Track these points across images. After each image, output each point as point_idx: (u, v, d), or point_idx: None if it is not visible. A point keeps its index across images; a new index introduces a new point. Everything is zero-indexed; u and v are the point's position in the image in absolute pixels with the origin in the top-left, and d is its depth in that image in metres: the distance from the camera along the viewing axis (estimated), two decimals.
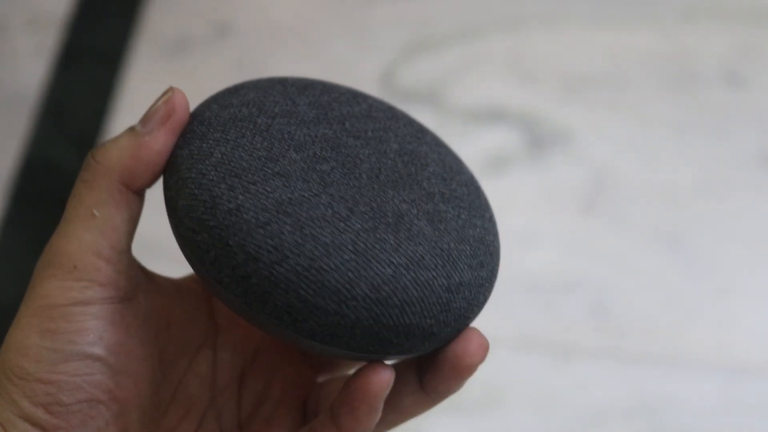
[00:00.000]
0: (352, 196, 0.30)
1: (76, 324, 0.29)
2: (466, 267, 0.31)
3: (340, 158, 0.31)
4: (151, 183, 0.31)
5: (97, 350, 0.29)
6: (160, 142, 0.30)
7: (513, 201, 0.67)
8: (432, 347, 0.31)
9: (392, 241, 0.29)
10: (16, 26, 0.76)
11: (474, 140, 0.69)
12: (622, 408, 0.60)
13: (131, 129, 0.31)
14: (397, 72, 0.73)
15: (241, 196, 0.29)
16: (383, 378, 0.30)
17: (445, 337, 0.31)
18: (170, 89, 0.31)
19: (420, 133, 0.34)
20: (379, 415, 0.30)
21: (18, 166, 0.70)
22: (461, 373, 0.31)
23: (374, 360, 0.30)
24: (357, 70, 0.73)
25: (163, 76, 0.72)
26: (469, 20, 0.75)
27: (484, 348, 0.31)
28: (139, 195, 0.31)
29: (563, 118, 0.70)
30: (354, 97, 0.34)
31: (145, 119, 0.31)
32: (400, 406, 0.33)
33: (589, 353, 0.61)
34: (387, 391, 0.30)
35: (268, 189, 0.29)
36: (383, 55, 0.73)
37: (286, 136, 0.31)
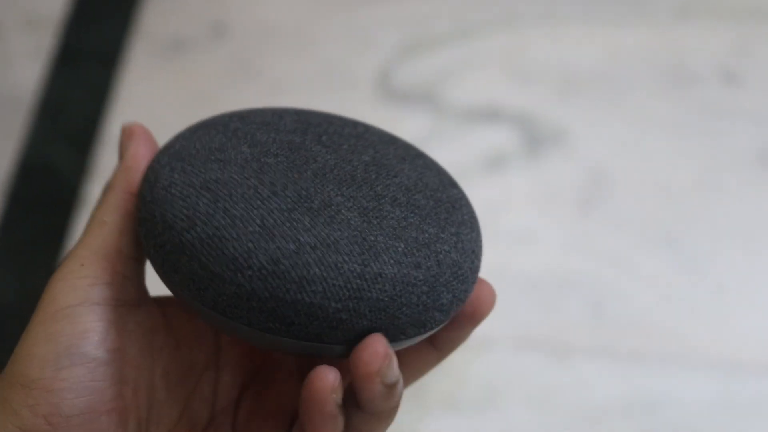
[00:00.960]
0: (283, 183, 0.31)
1: (79, 325, 0.30)
2: (392, 262, 0.30)
3: (291, 156, 0.32)
4: None
5: (100, 353, 0.30)
6: (136, 146, 0.34)
7: (510, 200, 0.67)
8: (348, 339, 0.30)
9: (306, 222, 0.30)
10: (12, 27, 0.76)
11: (471, 140, 0.69)
12: (620, 406, 0.60)
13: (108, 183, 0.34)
14: (393, 72, 0.73)
15: (176, 175, 0.31)
16: (326, 381, 0.29)
17: (365, 330, 0.30)
18: (122, 125, 0.36)
19: (416, 157, 0.34)
20: (339, 418, 0.29)
21: (15, 167, 0.70)
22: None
23: (312, 353, 0.30)
24: (353, 70, 0.73)
25: (160, 76, 0.71)
26: (466, 20, 0.75)
27: (380, 356, 0.29)
28: None
29: (560, 118, 0.70)
30: (356, 124, 0.35)
31: (119, 152, 0.35)
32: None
33: (586, 352, 0.62)
34: (336, 394, 0.29)
35: (202, 170, 0.31)
36: (379, 55, 0.73)
37: (248, 136, 0.32)
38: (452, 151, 0.68)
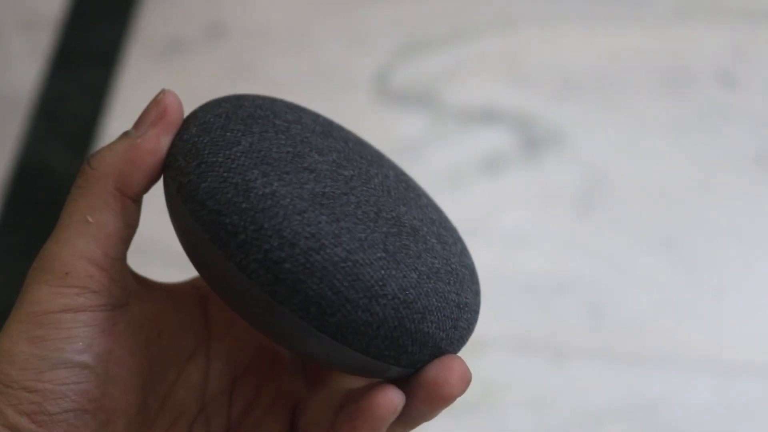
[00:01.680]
0: (375, 202, 0.30)
1: (65, 331, 0.29)
2: (469, 290, 0.31)
3: (355, 169, 0.31)
4: (146, 187, 0.31)
5: (86, 358, 0.29)
6: (153, 142, 0.30)
7: (507, 201, 0.67)
8: (421, 363, 0.30)
9: (414, 249, 0.29)
10: (9, 28, 0.76)
11: (468, 141, 0.69)
12: (617, 408, 0.60)
13: (125, 133, 0.31)
14: (390, 73, 0.73)
15: (276, 183, 0.29)
16: (393, 401, 0.29)
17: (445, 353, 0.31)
18: (162, 91, 0.31)
19: (402, 171, 0.35)
20: None
21: (12, 169, 0.69)
22: (439, 401, 0.30)
23: (375, 373, 0.30)
24: (350, 71, 0.73)
25: (157, 77, 0.71)
26: (463, 21, 0.75)
27: (466, 380, 0.30)
28: (136, 202, 0.31)
29: (557, 119, 0.70)
30: (345, 132, 0.35)
31: (138, 122, 0.31)
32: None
33: (584, 354, 0.62)
34: (394, 416, 0.29)
35: (301, 179, 0.29)
36: (377, 56, 0.73)
37: (305, 139, 0.31)
38: (450, 153, 0.68)
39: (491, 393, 0.60)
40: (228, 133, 0.30)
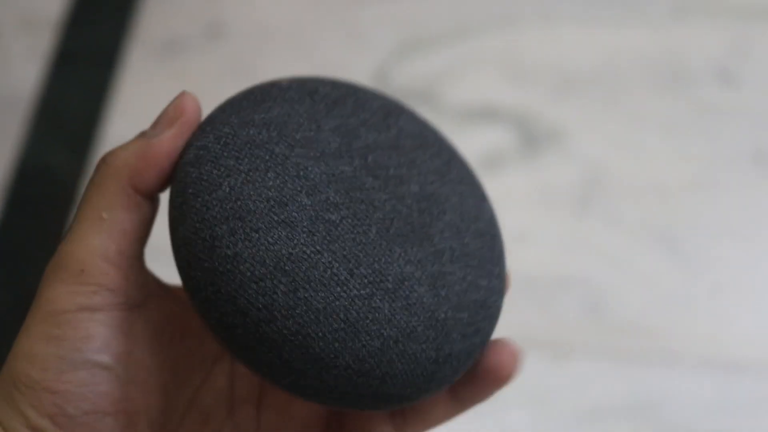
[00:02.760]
0: (356, 255, 0.29)
1: (82, 330, 0.29)
2: (459, 337, 0.30)
3: (352, 205, 0.30)
4: (159, 186, 0.31)
5: (104, 358, 0.29)
6: (168, 143, 0.30)
7: (507, 200, 0.67)
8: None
9: (387, 311, 0.29)
10: (9, 29, 0.76)
11: (468, 139, 0.69)
12: (618, 406, 0.60)
13: (142, 133, 0.31)
14: (390, 71, 0.73)
15: (240, 243, 0.28)
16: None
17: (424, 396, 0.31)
18: (181, 93, 0.31)
19: (446, 166, 0.33)
20: None
21: (12, 170, 0.70)
22: (497, 384, 0.32)
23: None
24: (350, 70, 0.73)
25: (157, 77, 0.71)
26: (462, 19, 0.75)
27: (519, 361, 0.32)
28: (151, 200, 0.31)
29: (557, 117, 0.70)
30: (385, 117, 0.32)
31: (155, 123, 0.31)
32: (430, 416, 0.33)
33: (584, 351, 0.62)
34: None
35: (270, 240, 0.28)
36: (376, 55, 0.73)
37: (301, 173, 0.29)
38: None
39: None
40: (215, 171, 0.29)
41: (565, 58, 0.73)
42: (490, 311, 0.31)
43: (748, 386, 0.60)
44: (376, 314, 0.28)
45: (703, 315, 0.63)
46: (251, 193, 0.29)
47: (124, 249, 0.30)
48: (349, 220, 0.29)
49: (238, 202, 0.29)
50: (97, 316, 0.29)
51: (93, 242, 0.29)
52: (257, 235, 0.28)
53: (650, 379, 0.61)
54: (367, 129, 0.31)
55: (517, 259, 0.69)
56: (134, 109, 0.71)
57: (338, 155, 0.30)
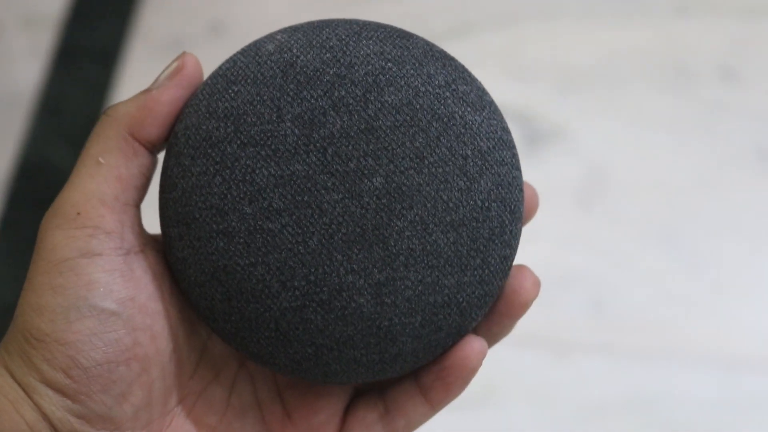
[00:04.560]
0: (291, 266, 0.29)
1: (84, 277, 0.29)
2: (409, 339, 0.30)
3: (297, 211, 0.29)
4: (158, 137, 0.31)
5: (109, 304, 0.29)
6: (169, 92, 0.31)
7: None
8: None
9: (319, 322, 0.29)
10: (11, 26, 0.76)
11: None
12: (619, 403, 0.60)
13: (144, 90, 0.32)
14: None
15: (186, 250, 0.30)
16: (478, 350, 0.31)
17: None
18: (183, 53, 0.32)
19: (431, 145, 0.29)
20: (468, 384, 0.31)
21: (14, 167, 0.70)
22: (518, 309, 0.32)
23: None
24: None
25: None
26: (464, 17, 0.75)
27: (538, 284, 0.32)
28: (150, 151, 0.31)
29: (559, 115, 0.70)
30: (367, 90, 0.30)
31: (157, 78, 0.32)
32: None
33: (586, 348, 0.62)
34: (482, 362, 0.31)
35: (209, 250, 0.29)
36: None
37: (248, 177, 0.29)
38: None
39: (494, 388, 0.60)
40: (175, 169, 0.30)
41: (567, 56, 0.73)
42: (462, 306, 0.30)
43: (750, 383, 0.60)
44: (308, 325, 0.29)
45: (705, 312, 0.63)
46: (197, 200, 0.29)
47: (119, 194, 0.30)
48: (290, 229, 0.29)
49: (187, 208, 0.30)
50: (96, 261, 0.29)
51: (89, 186, 0.30)
52: (199, 243, 0.29)
53: (652, 375, 0.61)
54: (338, 111, 0.29)
55: (519, 256, 0.69)
56: None
57: (294, 151, 0.29)
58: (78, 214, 0.29)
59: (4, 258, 0.67)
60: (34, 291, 0.29)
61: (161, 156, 0.32)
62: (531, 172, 0.69)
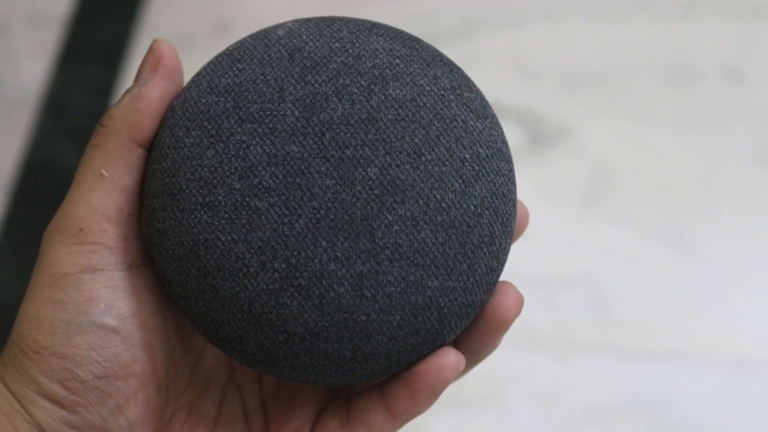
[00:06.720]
0: (273, 247, 0.28)
1: (85, 293, 0.29)
2: (385, 339, 0.29)
3: (286, 192, 0.28)
4: (156, 131, 0.31)
5: (109, 320, 0.29)
6: (157, 88, 0.30)
7: None
8: None
9: (295, 308, 0.28)
10: (16, 25, 0.76)
11: None
12: (622, 403, 0.60)
13: (127, 90, 0.31)
14: None
15: (168, 221, 0.29)
16: (453, 362, 0.29)
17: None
18: (154, 40, 0.31)
19: (430, 143, 0.29)
20: (435, 401, 0.30)
21: (19, 165, 0.70)
22: (499, 327, 0.31)
23: None
24: None
25: None
26: (469, 16, 0.75)
27: (520, 302, 0.31)
28: (150, 150, 0.31)
29: (563, 114, 0.70)
30: (372, 83, 0.29)
31: (137, 75, 0.31)
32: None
33: (589, 349, 0.62)
34: (455, 377, 0.30)
35: (191, 222, 0.28)
36: None
37: (241, 152, 0.28)
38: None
39: (497, 388, 0.60)
40: (168, 140, 0.30)
41: (572, 56, 0.73)
42: (443, 311, 0.29)
43: (754, 383, 0.60)
44: (282, 310, 0.28)
45: (710, 312, 0.63)
46: (186, 171, 0.29)
47: (123, 206, 0.30)
48: (277, 209, 0.28)
49: (175, 179, 0.29)
50: (98, 276, 0.29)
51: (91, 200, 0.29)
52: (182, 215, 0.29)
53: (656, 376, 0.61)
54: (340, 98, 0.29)
55: (522, 256, 0.69)
56: None
57: (291, 132, 0.29)
58: (80, 229, 0.29)
59: (7, 256, 0.67)
60: (33, 304, 0.29)
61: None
62: (536, 172, 0.69)
